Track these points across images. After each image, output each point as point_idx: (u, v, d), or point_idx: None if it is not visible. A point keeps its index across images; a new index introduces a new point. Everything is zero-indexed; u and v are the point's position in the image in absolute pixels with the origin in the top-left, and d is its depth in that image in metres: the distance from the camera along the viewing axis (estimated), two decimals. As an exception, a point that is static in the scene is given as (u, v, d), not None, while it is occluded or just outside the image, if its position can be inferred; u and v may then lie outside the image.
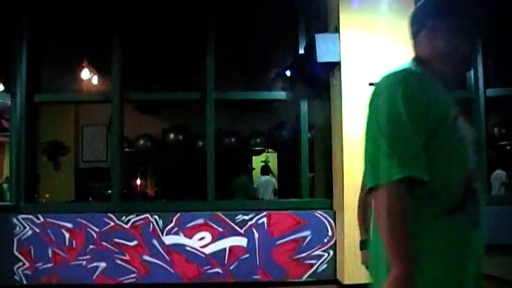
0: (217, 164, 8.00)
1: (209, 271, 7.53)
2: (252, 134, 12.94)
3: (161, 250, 7.55)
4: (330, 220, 7.58)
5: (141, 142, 12.40)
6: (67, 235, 7.59)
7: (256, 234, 7.55)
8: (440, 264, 1.79)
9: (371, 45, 7.23)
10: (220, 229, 7.56)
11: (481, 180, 1.94)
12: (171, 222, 7.57)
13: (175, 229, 7.57)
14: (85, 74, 10.20)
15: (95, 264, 7.54)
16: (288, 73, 8.46)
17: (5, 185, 10.95)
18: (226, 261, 7.55)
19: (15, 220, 7.59)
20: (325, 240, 7.56)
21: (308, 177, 8.04)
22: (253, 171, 12.69)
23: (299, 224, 7.56)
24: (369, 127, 1.89)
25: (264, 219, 7.58)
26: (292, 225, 7.57)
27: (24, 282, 7.55)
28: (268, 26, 8.14)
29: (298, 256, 7.54)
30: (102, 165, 11.80)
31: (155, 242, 7.56)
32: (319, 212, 7.61)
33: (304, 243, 7.55)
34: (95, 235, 7.56)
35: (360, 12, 7.26)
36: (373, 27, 7.24)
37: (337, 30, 7.28)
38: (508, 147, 13.35)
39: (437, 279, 1.79)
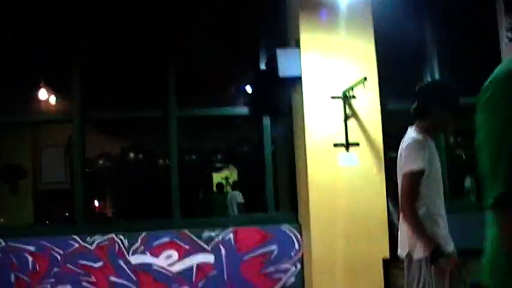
0: (180, 181, 7.97)
1: (177, 290, 7.48)
2: (213, 151, 12.94)
3: (128, 270, 7.44)
4: (296, 233, 7.61)
5: (101, 162, 12.26)
6: (30, 259, 7.42)
7: (223, 251, 7.52)
8: None
9: (331, 60, 7.35)
10: (187, 247, 7.50)
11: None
12: (137, 241, 7.47)
13: (141, 248, 7.47)
14: (43, 94, 10.06)
15: (60, 287, 7.39)
16: (249, 89, 8.52)
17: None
18: (194, 279, 7.48)
19: (-26, 245, 7.40)
20: (292, 254, 7.58)
21: (272, 191, 8.06)
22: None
23: (266, 239, 7.57)
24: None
25: (231, 235, 7.56)
26: (258, 240, 7.57)
27: (-13, 310, 7.37)
28: (229, 42, 8.19)
29: (266, 271, 7.54)
30: (61, 186, 11.60)
31: (121, 262, 7.45)
32: (286, 225, 7.64)
33: (272, 257, 7.55)
34: (59, 258, 7.39)
35: (320, 28, 7.37)
36: (333, 42, 7.37)
37: (297, 45, 7.37)
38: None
39: None
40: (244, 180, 13.12)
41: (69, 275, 7.39)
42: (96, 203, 12.79)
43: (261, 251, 7.56)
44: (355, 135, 7.32)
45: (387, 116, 7.51)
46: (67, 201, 8.72)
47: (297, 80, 7.41)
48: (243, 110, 8.34)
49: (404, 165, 3.96)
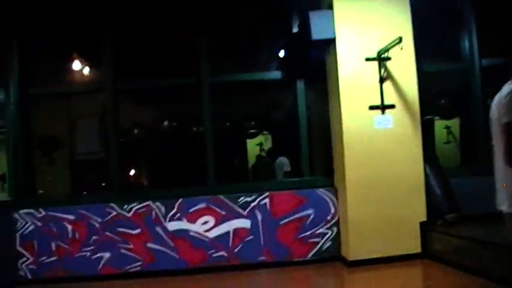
0: (214, 147, 7.97)
1: (214, 255, 7.54)
2: (247, 116, 12.87)
3: (165, 237, 7.54)
4: (332, 197, 7.58)
5: (136, 131, 12.33)
6: (69, 227, 7.57)
7: (259, 216, 7.55)
8: None
9: (365, 20, 7.22)
10: (223, 212, 7.55)
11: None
12: (173, 208, 7.56)
13: (178, 215, 7.56)
14: (76, 65, 10.09)
15: (99, 254, 7.54)
16: (282, 53, 8.42)
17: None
18: (230, 244, 7.54)
19: (16, 215, 7.57)
20: (328, 218, 7.57)
21: (308, 155, 8.01)
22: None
23: (301, 203, 7.56)
24: None
25: (267, 200, 7.57)
26: (294, 204, 7.57)
27: (29, 277, 7.55)
28: (260, 6, 8.06)
29: (302, 235, 7.55)
30: (97, 156, 11.69)
31: (158, 229, 7.55)
32: (321, 189, 7.61)
33: (308, 221, 7.55)
34: (97, 226, 7.54)
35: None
36: (366, 2, 7.23)
37: (331, 6, 7.23)
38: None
39: None
40: (279, 145, 13.04)
41: (107, 242, 7.54)
42: (132, 172, 12.88)
43: (297, 215, 7.56)
44: (390, 97, 7.20)
45: (423, 77, 7.35)
46: (103, 171, 8.78)
47: (330, 43, 7.30)
48: (276, 74, 8.25)
49: (505, 116, 3.74)
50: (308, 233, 7.55)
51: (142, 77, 8.62)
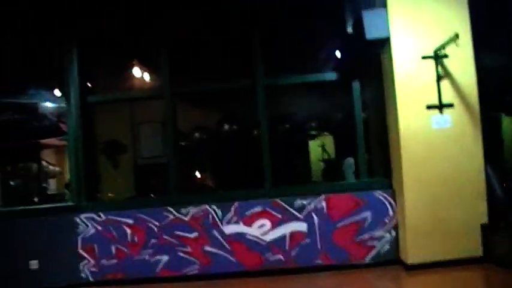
0: (273, 150, 7.95)
1: (270, 258, 7.53)
2: (306, 118, 12.78)
3: (222, 240, 7.58)
4: (390, 199, 7.43)
5: (196, 135, 12.48)
6: (128, 231, 7.72)
7: (315, 218, 7.48)
8: None
9: (420, 17, 7.06)
10: (279, 215, 7.52)
11: None
12: (230, 211, 7.59)
13: (235, 218, 7.59)
14: (136, 72, 10.31)
15: (157, 257, 7.65)
16: (337, 54, 8.32)
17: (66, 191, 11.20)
18: (287, 247, 7.51)
19: (77, 219, 7.80)
20: (386, 221, 7.42)
21: (365, 157, 7.87)
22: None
23: (359, 206, 7.45)
24: None
25: (323, 203, 7.49)
26: (351, 207, 7.46)
27: (91, 279, 7.75)
28: (314, 7, 7.98)
29: (360, 238, 7.44)
30: (159, 160, 11.90)
31: (215, 232, 7.60)
32: (379, 192, 7.47)
33: (365, 224, 7.43)
34: (155, 229, 7.66)
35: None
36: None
37: (384, 5, 7.10)
38: None
39: None
40: (342, 146, 12.88)
41: (165, 246, 7.65)
42: (191, 176, 13.03)
43: (354, 218, 7.45)
44: (448, 95, 7.00)
45: (483, 74, 7.11)
46: (165, 175, 8.91)
47: (385, 42, 7.17)
48: (331, 75, 8.14)
49: None
50: (365, 236, 7.42)
51: (198, 82, 8.68)
